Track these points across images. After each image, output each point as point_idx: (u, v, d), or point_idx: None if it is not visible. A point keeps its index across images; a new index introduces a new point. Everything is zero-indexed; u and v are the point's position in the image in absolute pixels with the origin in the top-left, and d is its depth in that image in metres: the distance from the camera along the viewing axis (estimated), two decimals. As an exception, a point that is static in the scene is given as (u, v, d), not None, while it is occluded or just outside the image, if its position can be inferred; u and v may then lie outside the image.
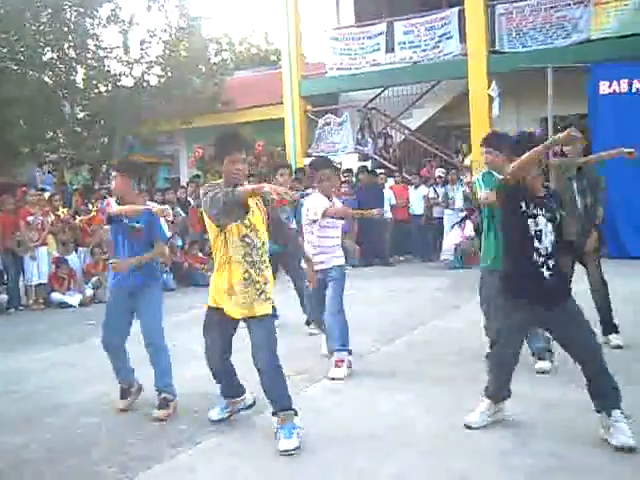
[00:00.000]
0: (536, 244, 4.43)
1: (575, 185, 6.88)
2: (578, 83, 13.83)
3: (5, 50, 17.91)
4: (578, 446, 4.31)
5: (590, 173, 7.02)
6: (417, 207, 15.52)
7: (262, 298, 4.69)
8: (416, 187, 15.63)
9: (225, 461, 4.50)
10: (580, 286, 6.95)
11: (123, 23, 19.01)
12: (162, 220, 5.79)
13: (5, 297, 11.52)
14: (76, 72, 19.28)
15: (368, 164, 17.14)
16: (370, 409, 5.36)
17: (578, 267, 6.78)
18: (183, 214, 14.73)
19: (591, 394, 4.40)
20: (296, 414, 4.64)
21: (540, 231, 4.44)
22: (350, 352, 6.46)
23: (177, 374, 5.60)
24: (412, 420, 4.67)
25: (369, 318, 8.93)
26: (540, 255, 4.44)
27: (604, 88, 13.59)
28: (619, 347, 6.73)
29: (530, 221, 4.43)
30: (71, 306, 11.48)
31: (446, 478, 4.08)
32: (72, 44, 18.60)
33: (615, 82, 13.48)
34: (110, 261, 5.58)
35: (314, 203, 6.55)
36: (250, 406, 5.18)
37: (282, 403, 4.63)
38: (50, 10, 18.03)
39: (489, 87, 15.47)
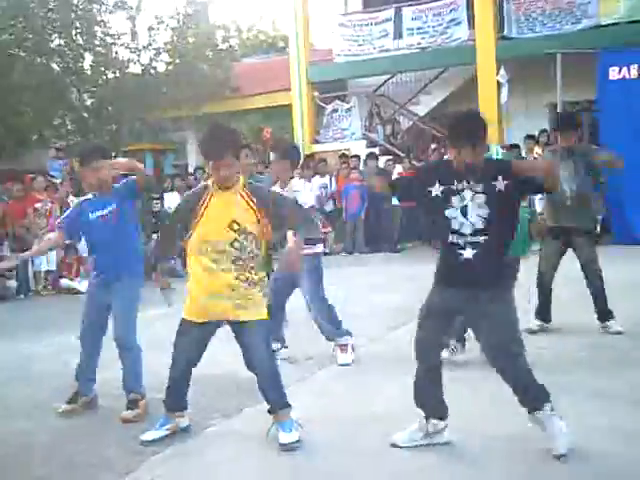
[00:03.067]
0: (454, 225, 4.09)
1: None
2: (587, 69, 13.75)
3: (12, 37, 17.92)
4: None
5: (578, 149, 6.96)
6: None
7: (258, 299, 4.49)
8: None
9: (233, 446, 4.53)
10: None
11: (130, 9, 19.00)
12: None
13: (14, 283, 11.58)
14: (84, 59, 19.27)
15: (376, 150, 17.10)
16: (377, 393, 5.38)
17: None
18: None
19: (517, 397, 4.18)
20: (290, 408, 4.55)
21: (466, 207, 4.07)
22: (350, 334, 6.48)
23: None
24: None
25: (376, 304, 8.95)
26: (460, 235, 4.09)
27: (613, 74, 13.50)
28: (619, 333, 6.73)
29: (450, 201, 4.09)
30: (80, 292, 11.51)
31: (454, 463, 4.10)
32: (79, 31, 18.58)
33: (625, 68, 13.38)
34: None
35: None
36: (186, 429, 4.76)
37: (281, 402, 4.51)
38: (57, -3, 18.03)
39: (497, 73, 15.38)
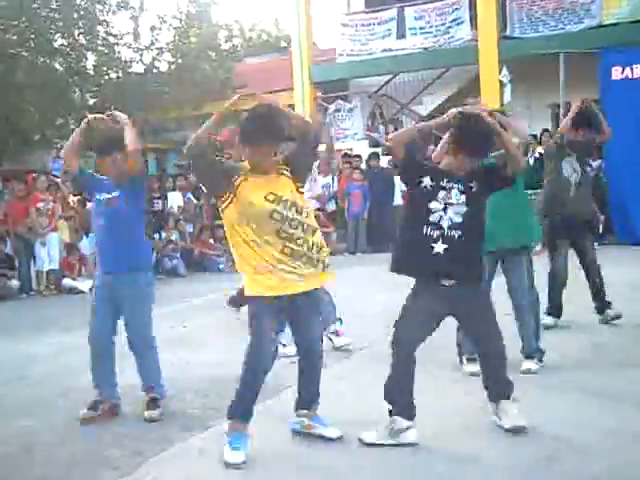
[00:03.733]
0: (431, 217, 4.22)
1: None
2: (590, 68, 13.73)
3: (15, 37, 17.92)
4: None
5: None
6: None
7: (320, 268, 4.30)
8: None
9: (235, 445, 4.52)
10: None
11: (133, 9, 19.02)
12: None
13: (17, 283, 11.59)
14: (86, 59, 19.30)
15: (379, 150, 17.09)
16: (379, 395, 5.36)
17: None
18: (195, 200, 14.74)
19: (485, 386, 4.48)
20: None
21: (450, 204, 4.22)
22: (341, 321, 6.61)
23: (187, 359, 5.61)
24: (421, 405, 4.66)
25: (378, 304, 8.92)
26: (436, 228, 4.23)
27: (616, 73, 13.49)
28: (618, 317, 6.90)
29: (436, 195, 4.24)
30: (82, 292, 11.52)
31: (454, 461, 4.08)
32: (82, 30, 18.61)
33: (627, 67, 13.38)
34: None
35: None
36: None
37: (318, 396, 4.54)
38: (60, -4, 18.04)
39: (500, 73, 15.40)
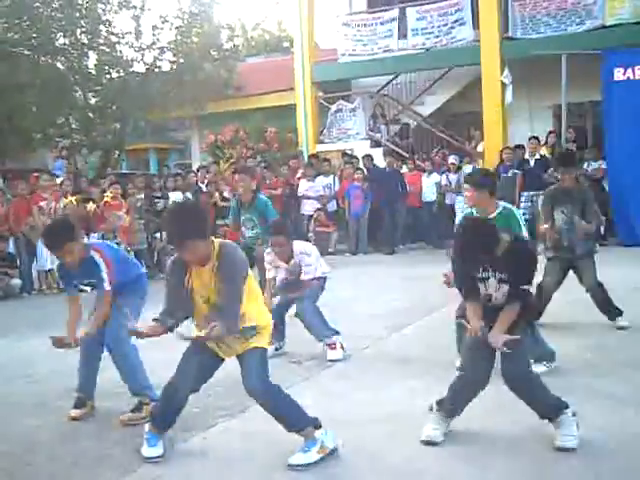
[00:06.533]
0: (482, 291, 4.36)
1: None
2: (592, 70, 13.74)
3: (17, 36, 17.95)
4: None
5: (576, 192, 6.97)
6: (429, 194, 15.53)
7: (244, 339, 4.22)
8: (429, 174, 15.62)
9: (236, 445, 4.53)
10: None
11: (135, 9, 19.02)
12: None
13: (18, 282, 11.61)
14: (88, 58, 19.32)
15: (380, 151, 17.10)
16: (381, 394, 5.38)
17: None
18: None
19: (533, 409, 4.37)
20: (317, 427, 4.25)
21: (490, 295, 4.31)
22: (338, 333, 6.55)
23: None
24: (423, 406, 4.67)
25: (380, 304, 8.95)
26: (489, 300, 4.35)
27: (618, 75, 13.50)
28: (623, 328, 6.86)
29: (480, 284, 4.33)
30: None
31: (458, 462, 4.09)
32: (84, 30, 18.62)
33: (630, 68, 13.39)
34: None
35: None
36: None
37: (296, 427, 4.26)
38: (62, -5, 18.06)
39: (502, 74, 15.41)
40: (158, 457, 4.31)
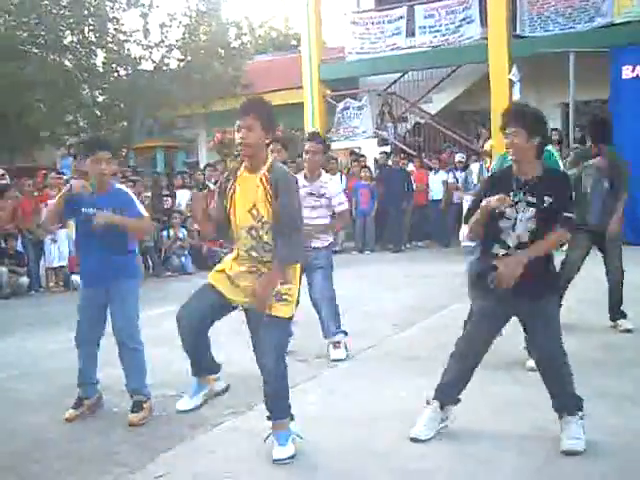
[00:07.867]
0: (502, 236, 4.13)
1: (593, 170, 6.79)
2: (600, 68, 13.69)
3: (26, 34, 18.00)
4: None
5: (612, 158, 6.91)
6: (436, 192, 15.52)
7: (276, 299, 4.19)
8: (436, 172, 15.61)
9: (244, 443, 4.52)
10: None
11: (143, 7, 19.05)
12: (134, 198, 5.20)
13: (26, 279, 11.62)
14: (96, 56, 19.38)
15: (387, 149, 17.10)
16: (388, 393, 5.37)
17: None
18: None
19: (551, 395, 4.29)
20: (292, 419, 4.31)
21: (516, 219, 4.08)
22: (346, 333, 6.50)
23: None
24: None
25: (388, 303, 8.95)
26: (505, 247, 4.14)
27: (627, 72, 13.45)
28: (629, 331, 6.80)
29: (506, 211, 4.08)
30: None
31: (466, 461, 4.09)
32: (92, 28, 18.68)
33: (638, 66, 13.34)
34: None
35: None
36: (225, 390, 4.80)
37: (281, 414, 4.27)
38: (70, -7, 18.10)
39: (510, 72, 15.35)
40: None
